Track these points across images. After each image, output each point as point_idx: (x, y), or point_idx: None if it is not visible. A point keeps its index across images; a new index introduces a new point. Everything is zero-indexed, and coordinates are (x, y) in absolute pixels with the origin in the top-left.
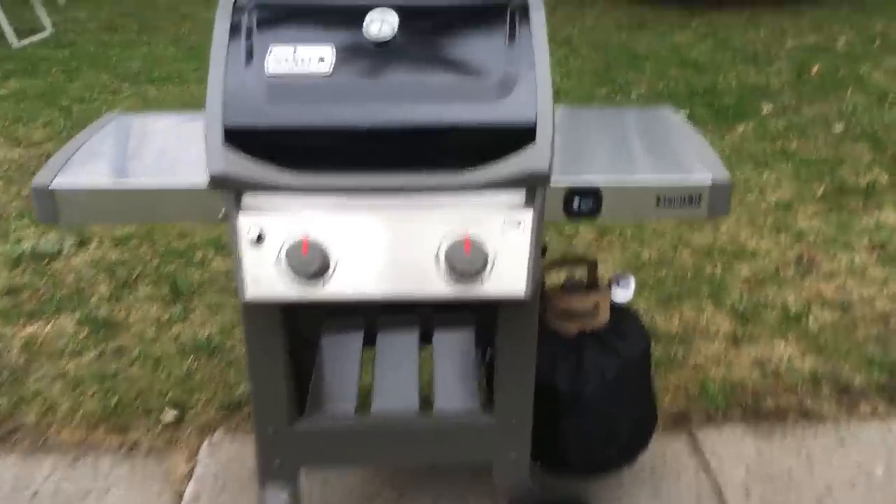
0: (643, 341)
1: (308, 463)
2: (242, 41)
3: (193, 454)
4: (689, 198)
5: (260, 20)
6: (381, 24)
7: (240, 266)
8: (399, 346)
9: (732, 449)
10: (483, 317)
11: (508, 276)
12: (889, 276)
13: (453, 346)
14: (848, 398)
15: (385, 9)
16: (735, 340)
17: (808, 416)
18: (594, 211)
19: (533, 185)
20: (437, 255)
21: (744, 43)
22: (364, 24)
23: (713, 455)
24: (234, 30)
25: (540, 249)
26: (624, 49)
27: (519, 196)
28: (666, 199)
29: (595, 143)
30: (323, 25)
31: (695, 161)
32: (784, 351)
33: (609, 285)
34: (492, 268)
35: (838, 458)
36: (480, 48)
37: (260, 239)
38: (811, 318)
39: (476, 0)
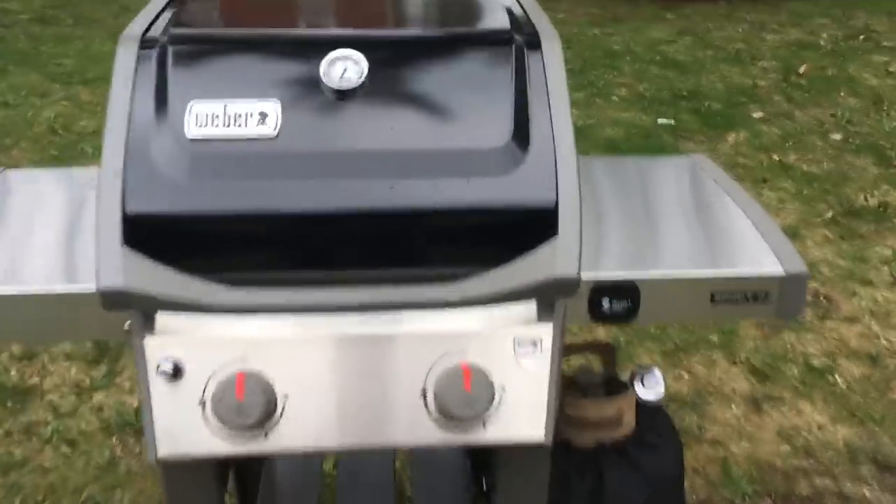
0: (675, 453)
1: None
2: (153, 89)
3: None
4: (754, 294)
5: (178, 59)
6: (346, 66)
7: (148, 411)
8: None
9: None
10: None
11: (522, 416)
12: None
13: (436, 458)
14: (892, 478)
15: (350, 46)
16: (755, 404)
17: (848, 502)
18: (630, 313)
19: (555, 296)
20: (423, 391)
21: (724, 39)
22: (322, 66)
23: None
24: (143, 72)
25: (560, 374)
26: (599, 46)
27: (534, 306)
28: (723, 295)
29: (619, 213)
30: (265, 68)
31: (754, 241)
32: (812, 416)
33: (630, 381)
34: (499, 405)
35: None
36: (477, 99)
37: (177, 374)
38: (837, 373)
39: (469, 30)
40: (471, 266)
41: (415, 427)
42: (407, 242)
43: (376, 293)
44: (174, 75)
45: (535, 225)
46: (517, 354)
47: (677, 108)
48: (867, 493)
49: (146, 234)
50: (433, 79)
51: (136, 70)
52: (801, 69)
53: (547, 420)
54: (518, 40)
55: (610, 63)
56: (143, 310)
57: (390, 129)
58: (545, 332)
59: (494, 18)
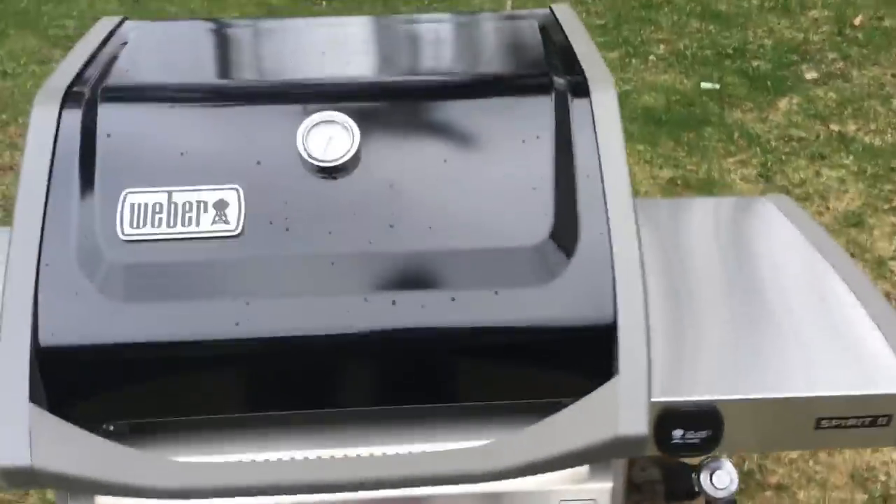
0: None
1: None
2: (77, 166)
3: None
4: (872, 419)
5: (111, 123)
6: (330, 134)
7: None
8: None
9: None
10: None
11: None
12: None
13: None
14: None
15: (335, 100)
16: None
17: None
18: (709, 444)
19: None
20: None
21: None
22: (298, 135)
23: None
24: (65, 140)
25: None
26: None
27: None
28: (832, 420)
29: (688, 294)
30: (225, 137)
31: (867, 335)
32: (890, 455)
33: (696, 474)
34: None
35: None
36: (504, 176)
37: None
38: None
39: (491, 73)
40: (499, 405)
41: None
42: (414, 378)
43: (375, 463)
44: (106, 146)
45: (586, 358)
46: None
47: (722, 68)
48: None
49: (63, 383)
50: (447, 147)
51: (55, 136)
52: (857, 20)
53: None
54: (559, 86)
55: (647, 15)
56: (61, 489)
57: (390, 222)
58: (601, 495)
59: (526, 53)
